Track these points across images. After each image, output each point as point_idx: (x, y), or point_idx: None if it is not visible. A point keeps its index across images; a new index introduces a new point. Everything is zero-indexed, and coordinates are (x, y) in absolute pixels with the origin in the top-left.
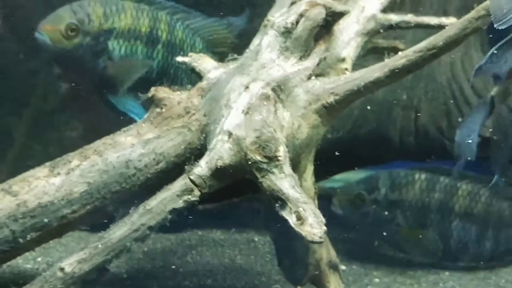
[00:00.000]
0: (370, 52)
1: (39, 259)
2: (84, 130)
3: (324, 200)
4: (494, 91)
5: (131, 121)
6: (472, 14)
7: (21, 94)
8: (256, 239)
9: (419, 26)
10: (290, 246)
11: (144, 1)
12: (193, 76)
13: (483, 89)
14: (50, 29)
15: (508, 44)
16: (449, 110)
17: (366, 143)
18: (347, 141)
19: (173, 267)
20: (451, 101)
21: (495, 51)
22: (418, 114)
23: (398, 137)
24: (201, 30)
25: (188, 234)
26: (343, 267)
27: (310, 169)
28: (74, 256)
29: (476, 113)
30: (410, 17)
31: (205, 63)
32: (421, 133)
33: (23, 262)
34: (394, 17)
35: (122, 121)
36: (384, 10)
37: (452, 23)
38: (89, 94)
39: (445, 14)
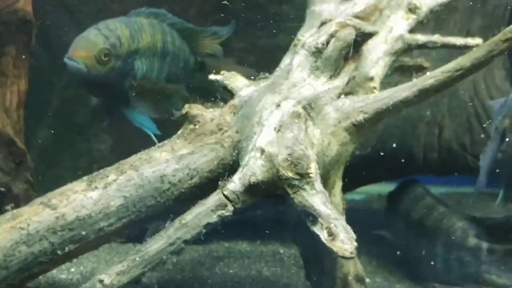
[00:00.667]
0: (397, 70)
1: (73, 269)
2: (113, 143)
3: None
4: (506, 121)
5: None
6: (499, 36)
7: (53, 107)
8: (281, 251)
9: (445, 46)
10: (318, 260)
11: (152, 16)
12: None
13: None
14: (85, 55)
15: None
16: (472, 127)
17: (391, 158)
18: (372, 156)
19: (202, 278)
20: (474, 118)
21: None
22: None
23: (422, 152)
24: (190, 38)
25: (215, 245)
26: (366, 280)
27: (338, 185)
28: (113, 268)
29: (488, 143)
30: (436, 37)
31: (237, 81)
32: (444, 149)
33: (58, 272)
34: (421, 37)
35: (147, 134)
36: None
37: (479, 45)
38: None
39: (469, 32)
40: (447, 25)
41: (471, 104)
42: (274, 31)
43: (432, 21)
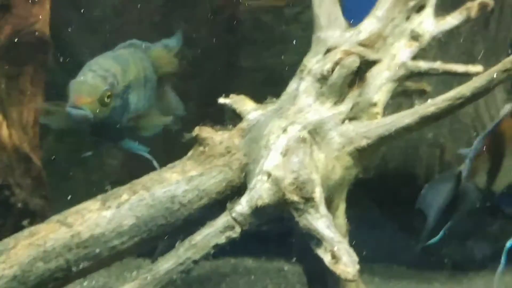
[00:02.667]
0: (400, 94)
1: (85, 283)
2: (124, 159)
3: None
4: (462, 167)
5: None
6: (499, 66)
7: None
8: (285, 268)
9: (446, 73)
10: (321, 279)
11: (129, 45)
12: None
13: None
14: (89, 100)
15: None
16: None
17: (393, 179)
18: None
19: None
20: (475, 140)
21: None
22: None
23: (424, 173)
24: (152, 57)
25: (222, 261)
26: None
27: (342, 207)
28: (126, 286)
29: (441, 182)
30: (438, 65)
31: (245, 105)
32: (445, 170)
33: (71, 286)
34: (423, 65)
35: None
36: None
37: (479, 75)
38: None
39: (471, 56)
40: (449, 49)
41: (472, 126)
42: (281, 51)
43: (435, 44)
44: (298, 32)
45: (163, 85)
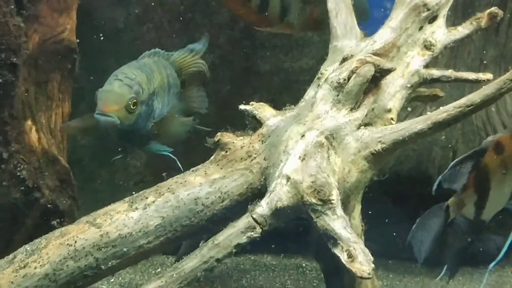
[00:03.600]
0: (413, 100)
1: (112, 280)
2: (147, 160)
3: None
4: (450, 201)
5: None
6: (507, 76)
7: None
8: (304, 264)
9: (458, 80)
10: (338, 276)
11: (151, 55)
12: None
13: None
14: (116, 108)
15: (465, 160)
16: None
17: (407, 180)
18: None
19: None
20: None
21: (454, 165)
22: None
23: (437, 174)
24: (176, 62)
25: (242, 258)
26: None
27: (358, 209)
28: (152, 283)
29: (431, 217)
30: (450, 72)
31: (264, 111)
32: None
33: (99, 283)
34: (435, 72)
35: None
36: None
37: (489, 83)
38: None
39: (481, 62)
40: (462, 55)
41: (483, 129)
42: (298, 56)
43: (447, 51)
44: (314, 38)
45: (190, 85)
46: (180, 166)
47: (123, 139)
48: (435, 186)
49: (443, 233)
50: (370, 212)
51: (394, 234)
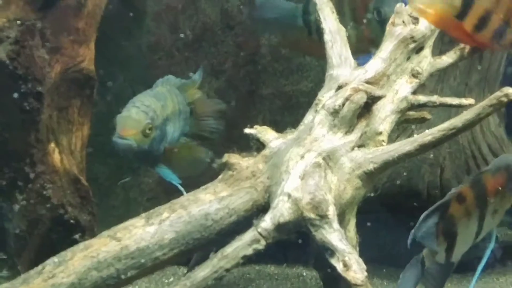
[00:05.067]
0: (403, 123)
1: None
2: (159, 177)
3: None
4: (424, 252)
5: None
6: (486, 102)
7: (109, 146)
8: (304, 273)
9: (443, 105)
10: (335, 284)
11: (164, 81)
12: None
13: (498, 148)
14: (133, 132)
15: (432, 212)
16: (469, 167)
17: (398, 195)
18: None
19: None
20: (471, 160)
21: (423, 219)
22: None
23: (426, 190)
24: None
25: (248, 268)
26: None
27: (353, 222)
28: None
29: (410, 270)
30: (435, 98)
31: (267, 134)
32: (445, 187)
33: None
34: (422, 98)
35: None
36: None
37: (470, 108)
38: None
39: (466, 86)
40: (448, 80)
41: (468, 148)
42: (298, 79)
43: (435, 76)
44: (313, 62)
45: (203, 113)
46: (185, 193)
47: (137, 160)
48: (409, 241)
49: (420, 280)
50: (368, 223)
51: (389, 242)
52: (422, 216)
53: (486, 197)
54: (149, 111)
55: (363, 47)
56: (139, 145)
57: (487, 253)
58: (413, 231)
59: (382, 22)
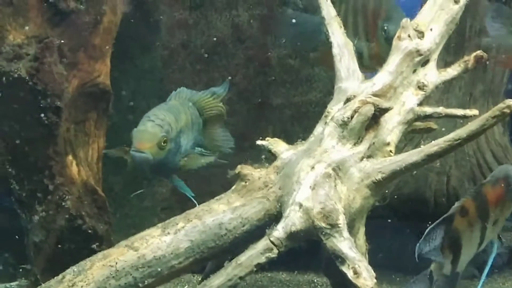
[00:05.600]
0: (410, 133)
1: None
2: (173, 187)
3: None
4: (432, 266)
5: None
6: (489, 113)
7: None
8: (315, 280)
9: (448, 116)
10: None
11: (178, 94)
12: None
13: (502, 157)
14: (149, 145)
15: (437, 226)
16: (475, 175)
17: (406, 203)
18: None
19: None
20: (477, 168)
21: (428, 233)
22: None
23: (433, 198)
24: (199, 102)
25: (260, 275)
26: None
27: (362, 230)
28: None
29: (419, 283)
30: (441, 109)
31: (278, 146)
32: (451, 195)
33: None
34: (428, 109)
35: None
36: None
37: (474, 119)
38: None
39: (471, 96)
40: (453, 90)
41: (474, 156)
42: (307, 90)
43: (442, 87)
44: (322, 73)
45: (213, 125)
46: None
47: (153, 171)
48: (417, 254)
49: None
50: (379, 230)
51: (398, 248)
52: (427, 230)
53: (487, 208)
54: (164, 124)
55: (373, 64)
56: (155, 158)
57: (490, 259)
58: (418, 245)
59: (390, 40)
